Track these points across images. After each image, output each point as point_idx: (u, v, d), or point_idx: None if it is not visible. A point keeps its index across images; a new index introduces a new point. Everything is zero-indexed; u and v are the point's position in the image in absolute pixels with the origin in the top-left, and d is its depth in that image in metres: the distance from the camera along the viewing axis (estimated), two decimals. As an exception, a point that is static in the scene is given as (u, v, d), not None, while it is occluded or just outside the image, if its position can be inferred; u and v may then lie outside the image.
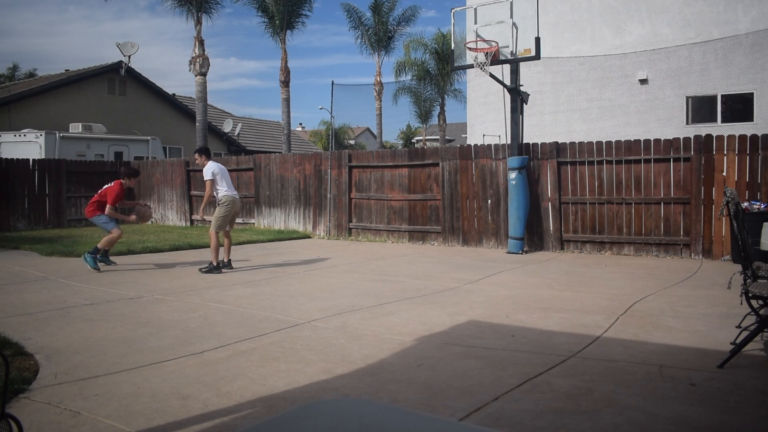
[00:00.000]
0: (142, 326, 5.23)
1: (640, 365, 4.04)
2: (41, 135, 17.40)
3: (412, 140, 50.75)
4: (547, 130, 16.26)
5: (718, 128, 13.70)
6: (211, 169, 8.46)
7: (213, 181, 8.45)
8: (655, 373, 3.89)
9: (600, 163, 10.20)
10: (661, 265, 8.78)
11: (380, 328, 5.14)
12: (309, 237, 13.44)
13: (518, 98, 10.36)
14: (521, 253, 10.20)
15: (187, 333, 5.00)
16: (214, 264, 8.38)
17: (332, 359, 4.24)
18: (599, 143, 10.26)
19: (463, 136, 38.74)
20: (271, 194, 14.54)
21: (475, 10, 10.43)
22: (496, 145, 11.39)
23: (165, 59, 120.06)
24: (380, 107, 29.35)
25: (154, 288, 7.10)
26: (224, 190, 8.53)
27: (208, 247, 11.42)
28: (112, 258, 9.04)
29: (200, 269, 8.43)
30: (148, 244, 11.27)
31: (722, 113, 15.10)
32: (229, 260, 8.70)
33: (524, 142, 10.68)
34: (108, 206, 8.57)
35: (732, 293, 5.32)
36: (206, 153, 8.88)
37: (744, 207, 8.12)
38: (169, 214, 16.72)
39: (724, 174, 9.26)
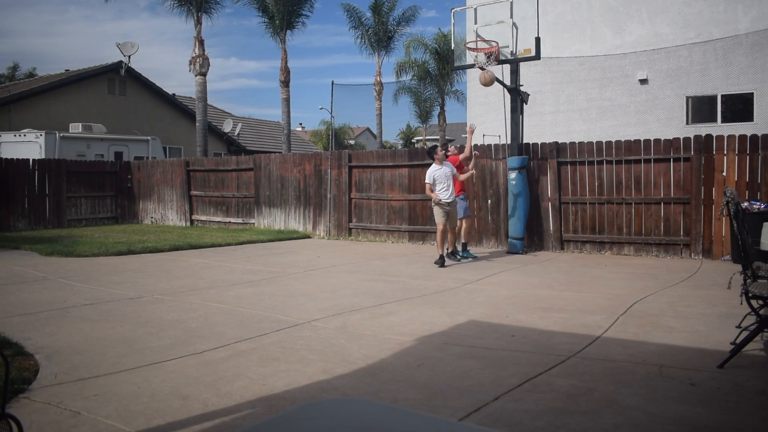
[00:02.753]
0: (142, 326, 5.23)
1: (640, 365, 4.04)
2: (41, 135, 17.40)
3: (412, 140, 50.73)
4: (547, 130, 16.25)
5: (718, 128, 13.69)
6: (431, 173, 8.98)
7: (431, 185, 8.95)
8: (655, 373, 3.89)
9: (600, 163, 10.20)
10: (661, 265, 8.78)
11: (380, 328, 5.14)
12: (309, 237, 13.44)
13: (518, 98, 10.35)
14: (521, 253, 10.19)
15: (187, 333, 5.00)
16: (440, 252, 8.88)
17: (332, 359, 4.24)
18: (599, 143, 10.26)
19: (463, 136, 38.67)
20: (271, 194, 14.54)
21: (475, 10, 10.42)
22: (496, 145, 11.39)
23: (165, 59, 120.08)
24: (380, 107, 29.37)
25: (154, 288, 7.10)
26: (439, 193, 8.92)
27: (209, 246, 11.50)
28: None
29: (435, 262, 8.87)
30: (148, 244, 11.27)
31: (722, 113, 15.09)
32: (453, 250, 9.29)
33: (524, 142, 10.68)
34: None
35: (732, 293, 5.32)
36: (431, 151, 9.37)
37: (744, 207, 8.12)
38: (169, 214, 16.72)
39: (724, 174, 9.26)
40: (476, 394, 3.55)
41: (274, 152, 21.60)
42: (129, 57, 23.65)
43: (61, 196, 15.83)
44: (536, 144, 10.76)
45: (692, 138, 9.57)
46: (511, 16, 9.99)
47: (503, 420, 3.18)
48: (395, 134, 54.01)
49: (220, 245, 11.61)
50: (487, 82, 9.70)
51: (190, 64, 21.22)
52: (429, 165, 12.00)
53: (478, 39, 10.24)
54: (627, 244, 9.98)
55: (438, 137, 33.33)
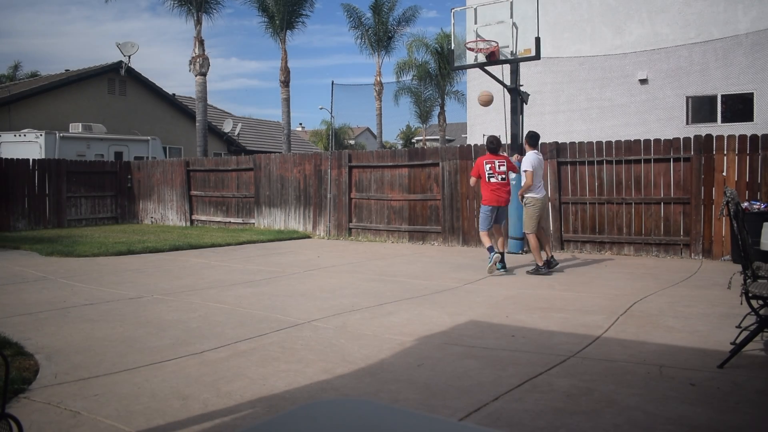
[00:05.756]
0: (142, 326, 5.23)
1: (640, 365, 4.04)
2: (41, 135, 17.40)
3: (412, 140, 50.75)
4: (547, 130, 16.22)
5: (718, 128, 13.69)
6: (530, 160, 8.23)
7: (531, 175, 8.19)
8: (655, 373, 3.89)
9: (600, 163, 10.20)
10: (661, 265, 8.77)
11: (380, 328, 5.14)
12: (309, 237, 13.44)
13: (518, 98, 10.35)
14: (521, 253, 10.19)
15: (187, 333, 5.00)
16: (540, 264, 8.03)
17: (332, 359, 4.24)
18: (599, 143, 10.26)
19: (463, 136, 38.74)
20: (271, 194, 14.54)
21: (476, 10, 10.42)
22: (496, 145, 11.38)
23: (165, 59, 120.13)
24: (380, 107, 29.37)
25: (154, 288, 7.10)
26: (534, 190, 8.24)
27: (209, 246, 11.49)
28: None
29: (527, 271, 8.16)
30: (148, 244, 11.27)
31: (722, 113, 15.09)
32: (552, 257, 8.29)
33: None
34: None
35: (732, 293, 5.32)
36: (531, 140, 8.55)
37: (744, 207, 8.11)
38: (169, 214, 16.72)
39: (724, 174, 9.26)
40: (476, 394, 3.55)
41: (274, 152, 21.59)
42: (129, 57, 23.66)
43: (61, 196, 15.83)
44: (536, 144, 10.76)
45: (692, 138, 9.57)
46: (511, 16, 9.98)
47: (503, 420, 3.18)
48: (395, 134, 54.06)
49: (220, 245, 11.61)
50: (486, 102, 9.78)
51: (190, 64, 21.23)
52: (429, 165, 12.08)
53: (478, 39, 10.24)
54: (627, 244, 9.97)
55: (438, 137, 33.34)
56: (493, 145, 8.43)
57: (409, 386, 3.70)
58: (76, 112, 21.78)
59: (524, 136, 8.78)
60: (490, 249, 8.17)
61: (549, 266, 8.15)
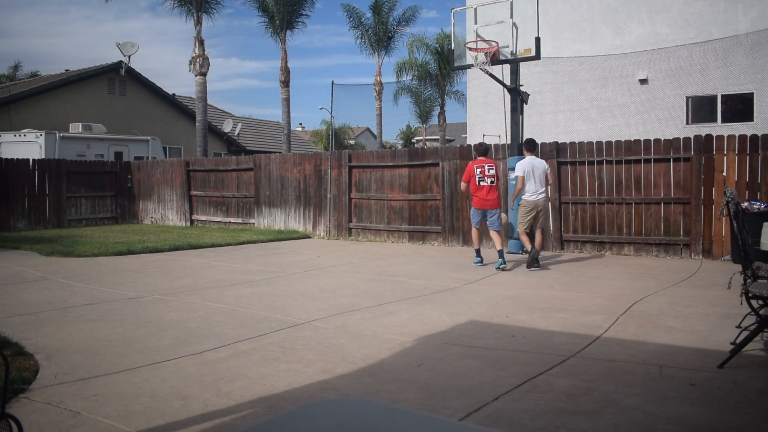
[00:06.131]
0: (142, 326, 5.23)
1: (640, 365, 4.04)
2: (41, 135, 17.39)
3: (412, 140, 50.74)
4: (547, 130, 16.25)
5: (718, 128, 13.68)
6: (522, 166, 8.55)
7: (522, 179, 8.50)
8: (655, 373, 3.89)
9: (600, 163, 10.20)
10: (661, 265, 8.77)
11: (380, 328, 5.14)
12: (309, 237, 13.44)
13: (518, 98, 10.35)
14: (521, 253, 10.17)
15: (187, 333, 5.00)
16: (527, 249, 8.52)
17: (332, 359, 4.24)
18: (599, 143, 10.26)
19: (463, 136, 38.73)
20: (271, 194, 14.54)
21: (476, 10, 10.42)
22: (496, 145, 11.38)
23: (165, 59, 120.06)
24: (380, 107, 29.37)
25: (154, 288, 7.10)
26: (526, 193, 8.56)
27: (209, 246, 11.49)
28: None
29: (526, 266, 8.45)
30: (148, 244, 11.27)
31: (722, 113, 15.09)
32: (531, 248, 8.60)
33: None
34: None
35: (732, 293, 5.32)
36: (528, 145, 8.81)
37: (744, 207, 8.11)
38: (169, 214, 16.72)
39: (724, 174, 9.25)
40: (476, 394, 3.55)
41: (274, 152, 21.58)
42: (129, 57, 23.64)
43: (61, 196, 15.83)
44: (536, 144, 10.75)
45: (692, 138, 9.57)
46: (511, 16, 9.98)
47: (503, 420, 3.18)
48: (395, 134, 54.03)
49: (220, 245, 11.61)
50: None
51: (190, 64, 21.23)
52: (429, 165, 12.08)
53: (478, 39, 10.24)
54: (627, 244, 9.97)
55: (438, 137, 33.34)
56: (483, 148, 9.13)
57: (409, 386, 3.70)
58: (76, 112, 21.77)
59: (522, 141, 9.37)
60: (477, 252, 9.04)
61: (529, 261, 8.43)
